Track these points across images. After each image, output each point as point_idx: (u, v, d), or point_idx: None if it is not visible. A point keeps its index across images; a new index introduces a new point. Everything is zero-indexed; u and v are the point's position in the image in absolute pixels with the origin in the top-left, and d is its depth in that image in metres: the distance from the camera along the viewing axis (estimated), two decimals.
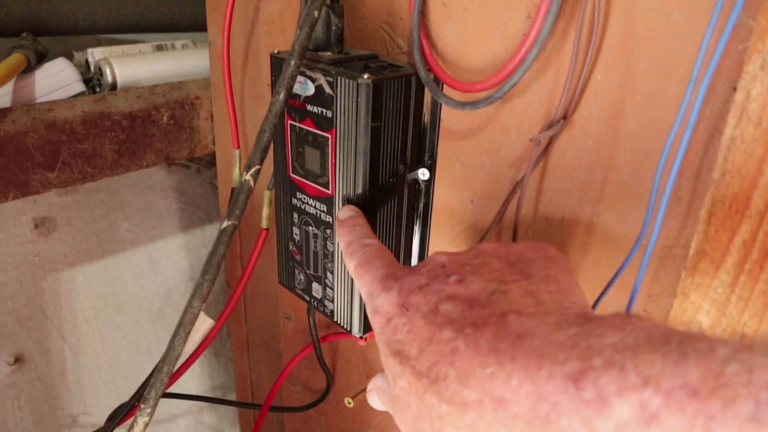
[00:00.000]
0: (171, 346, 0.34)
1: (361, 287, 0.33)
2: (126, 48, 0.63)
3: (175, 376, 0.58)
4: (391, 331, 0.28)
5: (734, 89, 0.30)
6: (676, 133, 0.30)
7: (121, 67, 0.60)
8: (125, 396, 0.84)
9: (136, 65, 0.61)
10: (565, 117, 0.36)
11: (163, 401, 0.85)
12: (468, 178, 0.43)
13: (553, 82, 0.37)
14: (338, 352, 0.58)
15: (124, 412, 0.56)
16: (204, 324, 0.49)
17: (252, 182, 0.36)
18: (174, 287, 0.84)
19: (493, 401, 0.22)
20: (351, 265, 0.35)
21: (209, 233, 0.84)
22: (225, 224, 0.35)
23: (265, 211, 0.55)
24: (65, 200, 0.72)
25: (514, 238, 0.40)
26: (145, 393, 0.34)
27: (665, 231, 0.34)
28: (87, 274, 0.76)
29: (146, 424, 0.35)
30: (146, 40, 0.71)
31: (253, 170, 0.36)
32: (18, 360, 0.73)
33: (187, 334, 0.35)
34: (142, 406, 0.35)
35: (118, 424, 0.58)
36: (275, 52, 0.44)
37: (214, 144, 0.65)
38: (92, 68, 0.61)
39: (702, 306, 0.33)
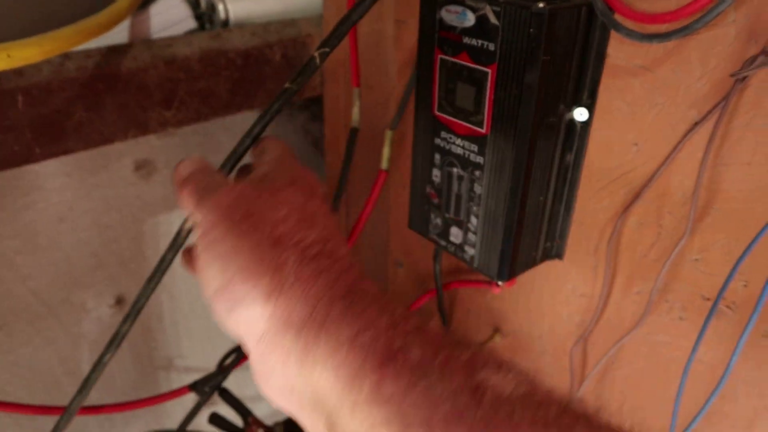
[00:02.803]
0: None
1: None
2: None
3: None
4: None
5: None
6: None
7: (234, 3, 0.58)
8: (217, 341, 0.85)
9: (248, 2, 0.59)
10: None
11: None
12: (634, 119, 0.40)
13: (755, 12, 0.33)
14: (456, 301, 0.57)
15: (241, 356, 0.56)
16: None
17: (318, 61, 0.37)
18: None
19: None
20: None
21: None
22: (287, 85, 0.36)
23: (386, 152, 0.53)
24: (164, 142, 0.71)
25: (698, 184, 0.37)
26: None
27: None
28: (183, 217, 0.75)
29: None
30: None
31: (321, 51, 0.37)
32: (119, 302, 0.73)
33: None
34: None
35: (234, 367, 0.58)
36: None
37: (322, 86, 0.63)
38: (203, 4, 0.59)
39: None
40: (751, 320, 0.33)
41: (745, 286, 0.38)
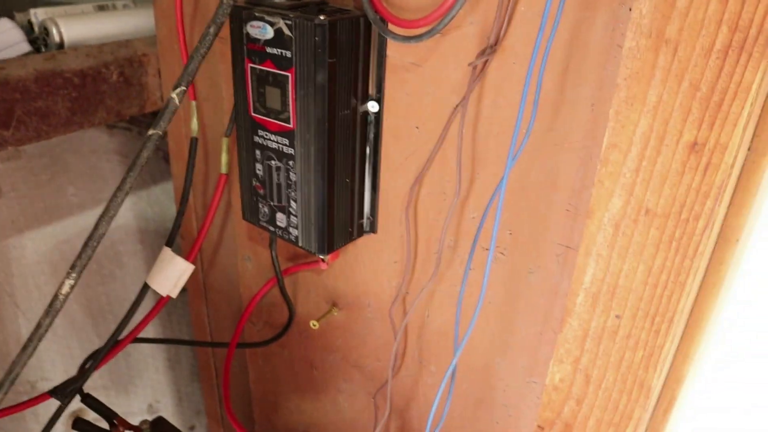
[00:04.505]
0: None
1: None
2: (68, 8, 0.65)
3: (148, 317, 0.62)
4: None
5: (630, 9, 0.37)
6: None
7: (68, 26, 0.62)
8: (79, 359, 0.86)
9: (82, 25, 0.63)
10: (496, 43, 0.42)
11: (122, 366, 0.89)
12: (414, 107, 0.49)
13: (485, 15, 0.43)
14: (298, 285, 0.64)
15: (99, 359, 0.59)
16: (188, 269, 0.53)
17: (177, 101, 0.41)
18: (123, 249, 0.86)
19: None
20: None
21: (155, 194, 0.86)
22: (151, 132, 0.41)
23: (224, 158, 0.59)
24: (9, 166, 0.72)
25: (459, 155, 0.46)
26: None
27: (581, 134, 0.42)
28: (36, 239, 0.77)
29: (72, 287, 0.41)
30: (79, 1, 0.72)
31: (178, 90, 0.41)
32: None
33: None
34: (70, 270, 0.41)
35: (96, 368, 0.61)
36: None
37: (162, 100, 0.68)
38: (36, 28, 0.62)
39: (614, 191, 0.40)
40: (489, 253, 0.42)
41: (510, 234, 0.48)
